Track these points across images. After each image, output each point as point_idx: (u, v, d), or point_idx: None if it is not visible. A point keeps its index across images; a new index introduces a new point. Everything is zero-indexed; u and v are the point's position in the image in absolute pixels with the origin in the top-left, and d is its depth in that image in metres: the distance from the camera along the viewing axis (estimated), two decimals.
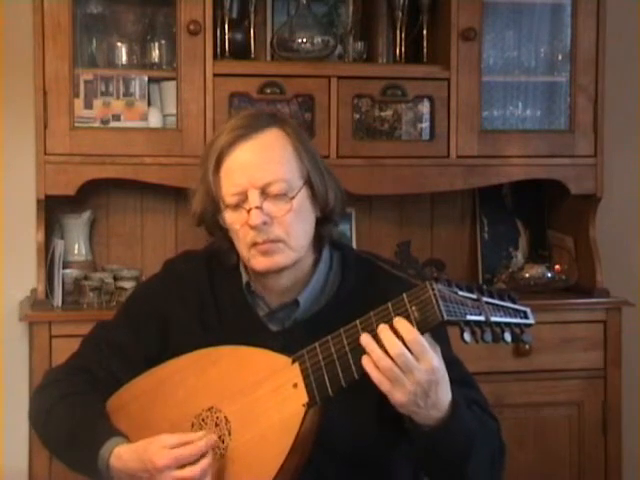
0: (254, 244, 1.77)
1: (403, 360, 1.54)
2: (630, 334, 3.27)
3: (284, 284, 1.83)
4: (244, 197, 1.77)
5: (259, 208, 1.75)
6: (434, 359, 1.57)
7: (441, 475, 1.74)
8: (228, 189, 1.79)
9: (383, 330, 1.56)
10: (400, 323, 1.55)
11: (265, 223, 1.75)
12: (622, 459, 3.15)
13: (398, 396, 1.57)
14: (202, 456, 1.65)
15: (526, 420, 3.08)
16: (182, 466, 1.65)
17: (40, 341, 2.82)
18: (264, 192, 1.76)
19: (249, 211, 1.76)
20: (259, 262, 1.79)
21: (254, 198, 1.76)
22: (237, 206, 1.78)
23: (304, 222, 1.80)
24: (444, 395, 1.61)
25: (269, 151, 1.79)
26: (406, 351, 1.54)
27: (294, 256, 1.79)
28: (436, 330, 1.75)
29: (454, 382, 1.73)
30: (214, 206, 1.83)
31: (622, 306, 3.13)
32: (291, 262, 1.79)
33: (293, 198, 1.77)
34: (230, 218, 1.80)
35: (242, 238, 1.79)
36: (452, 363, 1.79)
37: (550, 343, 3.06)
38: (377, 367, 1.56)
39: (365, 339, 1.57)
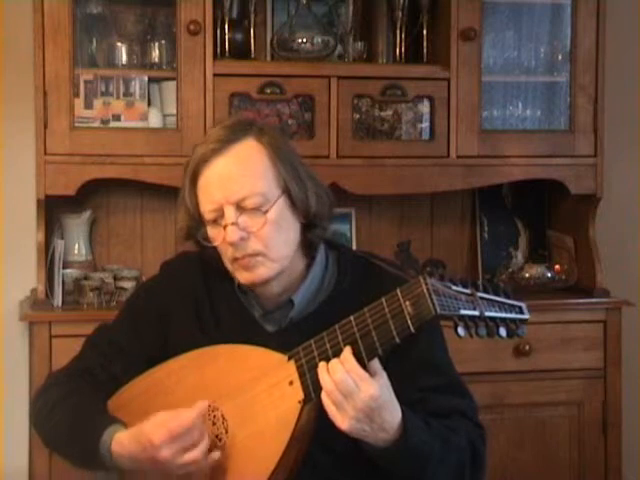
0: (234, 259, 1.78)
1: (344, 385, 1.57)
2: (630, 334, 3.27)
3: (274, 291, 1.83)
4: (221, 213, 1.77)
5: (235, 224, 1.75)
6: (373, 386, 1.58)
7: None
8: (205, 205, 1.79)
9: (333, 359, 1.60)
10: (346, 353, 1.59)
11: (242, 239, 1.75)
12: (622, 459, 3.15)
13: (341, 421, 1.59)
14: (200, 437, 1.65)
15: (526, 420, 3.08)
16: (185, 451, 1.65)
17: (40, 341, 2.82)
18: (239, 207, 1.76)
19: (225, 227, 1.76)
20: (242, 276, 1.79)
21: (229, 214, 1.75)
22: (215, 222, 1.78)
23: (284, 232, 1.79)
24: (391, 418, 1.62)
25: (243, 164, 1.78)
26: (347, 377, 1.57)
27: (276, 267, 1.79)
28: (430, 331, 1.76)
29: (440, 389, 1.76)
30: (195, 221, 1.82)
31: (622, 306, 3.13)
32: (274, 273, 1.79)
33: (267, 211, 1.76)
34: (211, 233, 1.80)
35: (223, 253, 1.80)
36: (442, 369, 1.81)
37: (550, 343, 3.07)
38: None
39: (321, 364, 1.61)
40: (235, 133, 1.79)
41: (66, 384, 1.88)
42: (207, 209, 1.78)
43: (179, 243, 3.14)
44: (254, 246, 1.76)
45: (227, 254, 1.78)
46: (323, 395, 1.59)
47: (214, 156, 1.77)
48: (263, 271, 1.77)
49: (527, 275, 3.23)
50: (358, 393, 1.57)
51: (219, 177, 1.77)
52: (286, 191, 1.79)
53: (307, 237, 1.84)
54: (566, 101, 3.20)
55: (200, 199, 1.79)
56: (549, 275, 3.24)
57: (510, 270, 3.28)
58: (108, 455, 1.72)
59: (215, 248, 1.83)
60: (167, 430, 1.65)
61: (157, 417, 1.68)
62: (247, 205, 1.75)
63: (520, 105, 3.22)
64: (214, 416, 1.71)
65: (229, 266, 1.80)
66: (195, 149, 1.81)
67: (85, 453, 1.77)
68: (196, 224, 1.83)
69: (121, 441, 1.71)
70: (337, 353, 1.60)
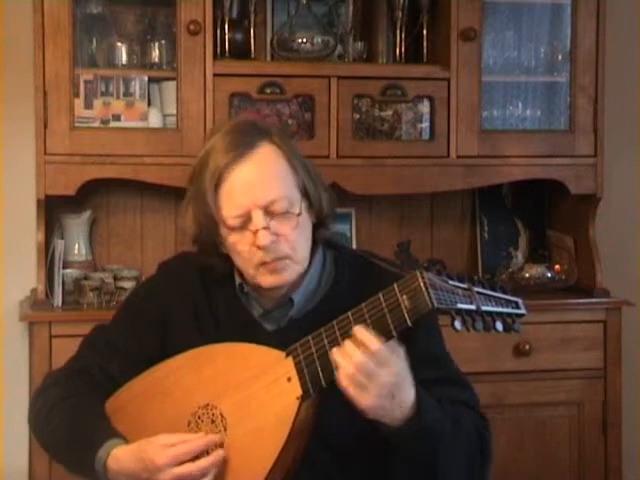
0: (262, 263, 1.77)
1: (364, 368, 1.57)
2: (630, 334, 3.27)
3: (280, 291, 1.83)
4: (247, 218, 1.76)
5: (266, 228, 1.74)
6: (396, 364, 1.59)
7: (415, 469, 1.73)
8: (230, 211, 1.77)
9: (347, 342, 1.59)
10: (361, 334, 1.57)
11: (273, 242, 1.75)
12: (622, 459, 3.15)
13: (363, 401, 1.59)
14: (203, 454, 1.65)
15: (526, 420, 3.08)
16: (181, 463, 1.65)
17: (40, 341, 2.82)
18: (268, 211, 1.76)
19: (256, 232, 1.75)
20: (267, 280, 1.78)
21: (259, 219, 1.75)
22: (242, 227, 1.77)
23: (306, 234, 1.81)
24: (407, 395, 1.62)
25: (266, 169, 1.78)
26: (366, 360, 1.56)
27: (299, 269, 1.80)
28: (428, 326, 1.76)
29: (441, 381, 1.76)
30: (212, 227, 1.81)
31: (622, 306, 3.13)
32: (297, 276, 1.80)
33: (299, 214, 1.77)
34: (234, 239, 1.78)
35: (248, 259, 1.78)
36: (441, 362, 1.82)
37: (550, 343, 3.07)
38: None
39: (335, 350, 1.60)
40: (248, 137, 1.79)
41: (64, 384, 1.88)
42: (232, 215, 1.76)
43: (180, 241, 3.18)
44: (284, 249, 1.76)
45: (253, 259, 1.77)
46: (341, 379, 1.58)
47: (237, 162, 1.76)
48: (289, 274, 1.78)
49: (527, 275, 3.23)
50: (381, 372, 1.57)
51: (244, 183, 1.76)
52: (305, 193, 1.80)
53: (314, 237, 1.85)
54: (566, 101, 3.20)
55: (223, 204, 1.77)
56: (549, 275, 3.24)
57: (510, 270, 3.28)
58: (102, 471, 1.72)
59: (216, 255, 1.83)
60: (171, 454, 1.65)
61: (160, 438, 1.68)
62: (276, 209, 1.75)
63: (520, 105, 3.22)
64: (213, 414, 1.71)
65: (251, 271, 1.79)
66: (209, 155, 1.79)
67: (80, 465, 1.77)
68: (210, 230, 1.81)
69: (118, 457, 1.71)
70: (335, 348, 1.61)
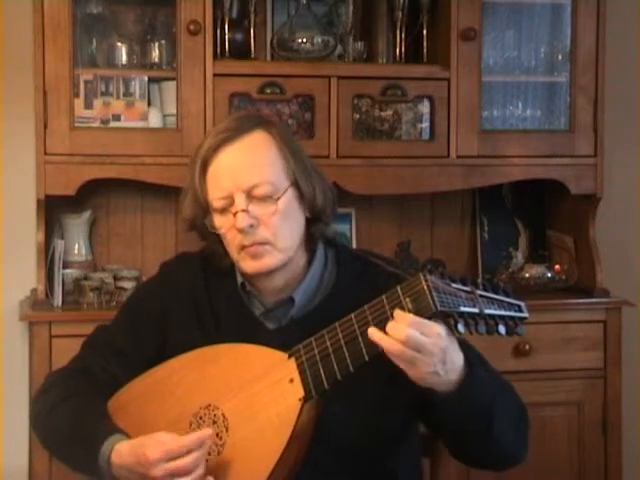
0: (242, 247, 1.79)
1: (412, 341, 1.56)
2: (630, 334, 3.27)
3: (277, 285, 1.85)
4: (230, 201, 1.79)
5: (245, 211, 1.77)
6: (438, 327, 1.58)
7: (472, 438, 1.72)
8: (214, 193, 1.81)
9: (389, 323, 1.57)
10: (397, 313, 1.57)
11: (252, 226, 1.78)
12: (622, 459, 3.15)
13: (418, 374, 1.59)
14: (194, 465, 1.64)
15: None
16: (176, 476, 1.64)
17: (40, 341, 2.82)
18: (250, 195, 1.78)
19: (235, 214, 1.78)
20: (248, 265, 1.81)
21: (240, 201, 1.78)
22: (224, 210, 1.81)
23: (291, 223, 1.82)
24: (457, 357, 1.63)
25: (254, 153, 1.81)
26: (412, 332, 1.55)
27: (282, 257, 1.81)
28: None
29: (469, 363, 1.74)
30: (203, 211, 1.84)
31: (622, 306, 3.13)
32: (280, 263, 1.81)
33: (278, 199, 1.79)
34: (218, 222, 1.82)
35: (230, 241, 1.82)
36: (464, 345, 1.81)
37: (550, 343, 3.07)
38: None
39: (372, 331, 1.58)
40: (245, 124, 1.83)
41: (66, 384, 1.88)
42: (216, 197, 1.81)
43: (180, 241, 3.18)
44: (263, 234, 1.78)
45: (234, 242, 1.80)
46: (394, 357, 1.57)
47: (225, 145, 1.80)
48: (270, 260, 1.79)
49: (527, 275, 3.23)
50: (428, 340, 1.56)
51: (230, 166, 1.80)
52: (294, 183, 1.82)
53: (310, 231, 1.86)
54: (566, 101, 3.19)
55: (209, 187, 1.82)
56: (549, 275, 3.23)
57: (510, 270, 3.28)
58: (106, 466, 1.72)
59: (218, 242, 1.84)
60: (164, 449, 1.64)
61: (158, 435, 1.68)
62: (257, 193, 1.78)
63: (520, 105, 3.22)
64: (214, 415, 1.71)
65: (235, 256, 1.82)
66: (204, 139, 1.84)
67: (84, 461, 1.77)
68: (202, 213, 1.85)
69: (120, 452, 1.71)
70: (337, 350, 1.61)
